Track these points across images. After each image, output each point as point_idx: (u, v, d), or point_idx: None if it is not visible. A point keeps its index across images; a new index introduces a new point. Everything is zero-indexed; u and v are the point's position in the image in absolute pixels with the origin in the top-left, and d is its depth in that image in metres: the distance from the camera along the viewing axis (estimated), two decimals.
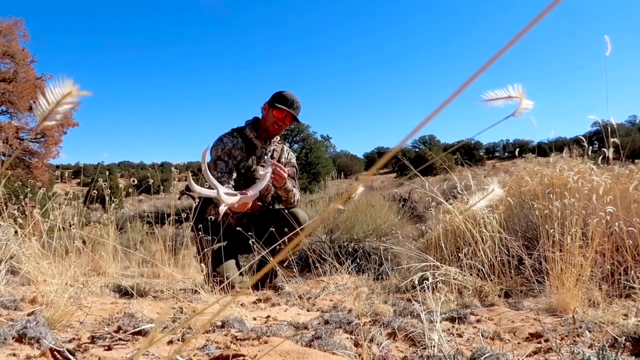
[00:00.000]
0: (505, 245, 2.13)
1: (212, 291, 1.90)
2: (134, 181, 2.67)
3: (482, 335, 1.32)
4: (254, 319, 1.58)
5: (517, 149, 3.12)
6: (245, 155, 2.48)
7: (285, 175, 2.29)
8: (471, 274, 2.07)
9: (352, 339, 1.28)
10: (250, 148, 2.51)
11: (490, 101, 0.48)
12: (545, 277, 1.82)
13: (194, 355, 1.08)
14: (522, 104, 0.47)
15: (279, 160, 2.60)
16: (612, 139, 1.86)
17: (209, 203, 2.43)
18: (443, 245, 2.27)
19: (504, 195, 2.41)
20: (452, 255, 2.25)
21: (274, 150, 2.60)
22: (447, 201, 2.65)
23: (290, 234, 2.19)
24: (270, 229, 2.33)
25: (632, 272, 1.79)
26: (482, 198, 0.55)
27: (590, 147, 2.38)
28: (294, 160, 2.69)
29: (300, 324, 1.42)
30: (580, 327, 1.33)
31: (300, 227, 2.35)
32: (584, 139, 2.39)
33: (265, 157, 2.48)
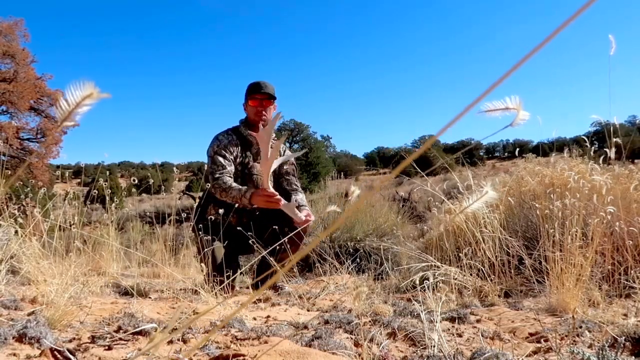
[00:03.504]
0: (506, 245, 2.14)
1: (212, 291, 1.91)
2: (134, 180, 2.67)
3: (482, 335, 1.32)
4: (254, 318, 1.59)
5: (518, 149, 3.12)
6: (241, 153, 2.49)
7: (311, 220, 2.30)
8: (471, 274, 2.07)
9: (352, 338, 1.28)
10: (245, 145, 2.52)
11: (488, 112, 0.49)
12: (545, 277, 1.82)
13: (194, 355, 1.08)
14: (519, 115, 0.48)
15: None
16: (614, 139, 1.86)
17: (210, 203, 2.43)
18: (446, 243, 2.27)
19: (505, 195, 2.41)
20: (452, 255, 2.25)
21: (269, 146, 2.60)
22: (443, 203, 2.65)
23: (291, 234, 2.19)
24: (271, 229, 2.33)
25: (632, 272, 1.79)
26: (476, 200, 0.55)
27: (592, 148, 2.39)
28: (292, 159, 2.69)
29: (300, 324, 1.42)
30: (580, 327, 1.33)
31: (301, 227, 2.35)
32: (586, 139, 2.39)
33: (302, 206, 2.41)
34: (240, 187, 2.30)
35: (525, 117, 0.49)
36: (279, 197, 2.18)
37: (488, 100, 0.50)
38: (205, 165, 2.57)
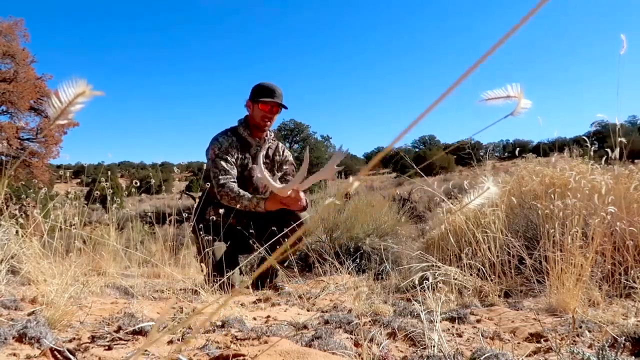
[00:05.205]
0: (506, 245, 2.13)
1: (212, 291, 1.91)
2: (136, 183, 2.67)
3: (482, 335, 1.32)
4: (254, 318, 1.59)
5: (518, 149, 3.11)
6: (240, 154, 2.49)
7: (303, 204, 2.29)
8: (471, 274, 2.07)
9: (352, 338, 1.28)
10: (245, 146, 2.51)
11: (489, 100, 0.48)
12: (546, 277, 1.82)
13: (194, 355, 1.08)
14: (521, 103, 0.47)
15: (273, 158, 2.60)
16: (619, 139, 1.86)
17: (209, 203, 2.43)
18: (447, 243, 2.27)
19: (506, 195, 2.41)
20: (452, 255, 2.25)
21: (268, 147, 2.60)
22: (445, 202, 2.65)
23: (287, 231, 2.19)
24: (270, 229, 2.34)
25: (632, 272, 1.79)
26: (477, 196, 0.55)
27: (593, 147, 2.39)
28: (291, 159, 2.68)
29: (300, 324, 1.42)
30: (580, 327, 1.33)
31: (297, 222, 2.34)
32: (586, 139, 2.39)
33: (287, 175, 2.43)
34: (250, 196, 2.29)
35: (526, 106, 0.48)
36: (295, 196, 2.18)
37: (489, 93, 0.50)
38: (204, 166, 2.56)
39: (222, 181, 2.35)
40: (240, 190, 2.32)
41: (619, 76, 1.75)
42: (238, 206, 2.29)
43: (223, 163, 2.39)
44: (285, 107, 2.46)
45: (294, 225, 2.27)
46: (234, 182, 2.38)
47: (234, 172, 2.43)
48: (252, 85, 2.53)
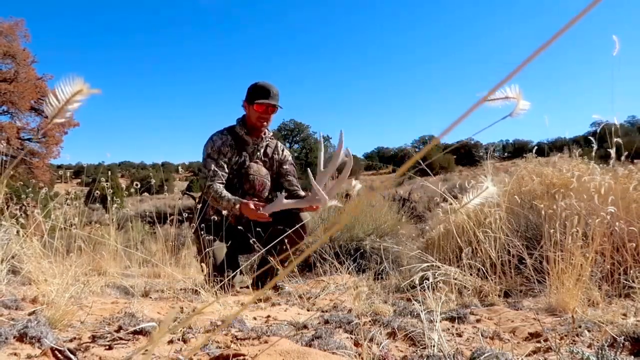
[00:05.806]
0: (506, 244, 2.14)
1: (212, 291, 1.91)
2: (136, 185, 2.68)
3: (482, 335, 1.32)
4: (254, 318, 1.59)
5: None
6: (235, 152, 2.49)
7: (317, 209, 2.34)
8: (471, 274, 2.07)
9: (352, 338, 1.28)
10: (241, 145, 2.51)
11: (488, 102, 0.49)
12: (546, 277, 1.82)
13: (194, 355, 1.08)
14: (520, 104, 0.47)
15: (272, 157, 2.61)
16: (616, 139, 1.87)
17: (209, 203, 2.43)
18: (449, 243, 2.27)
19: (507, 194, 2.41)
20: (452, 255, 2.25)
21: (266, 145, 2.60)
22: (447, 201, 2.66)
23: (289, 232, 2.19)
24: (271, 228, 2.34)
25: (632, 272, 1.79)
26: (476, 195, 0.56)
27: (594, 148, 2.39)
28: (291, 158, 2.68)
29: (300, 324, 1.42)
30: (580, 327, 1.33)
31: (300, 224, 2.35)
32: (589, 139, 2.39)
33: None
34: (230, 197, 2.31)
35: (525, 107, 0.49)
36: (265, 215, 2.22)
37: (486, 92, 0.50)
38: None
39: (208, 182, 2.38)
40: (223, 192, 2.34)
41: (613, 77, 1.75)
42: (220, 208, 2.31)
43: (212, 164, 2.42)
44: (280, 107, 2.47)
45: (297, 226, 2.27)
46: (221, 182, 2.40)
47: (224, 172, 2.44)
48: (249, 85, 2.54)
